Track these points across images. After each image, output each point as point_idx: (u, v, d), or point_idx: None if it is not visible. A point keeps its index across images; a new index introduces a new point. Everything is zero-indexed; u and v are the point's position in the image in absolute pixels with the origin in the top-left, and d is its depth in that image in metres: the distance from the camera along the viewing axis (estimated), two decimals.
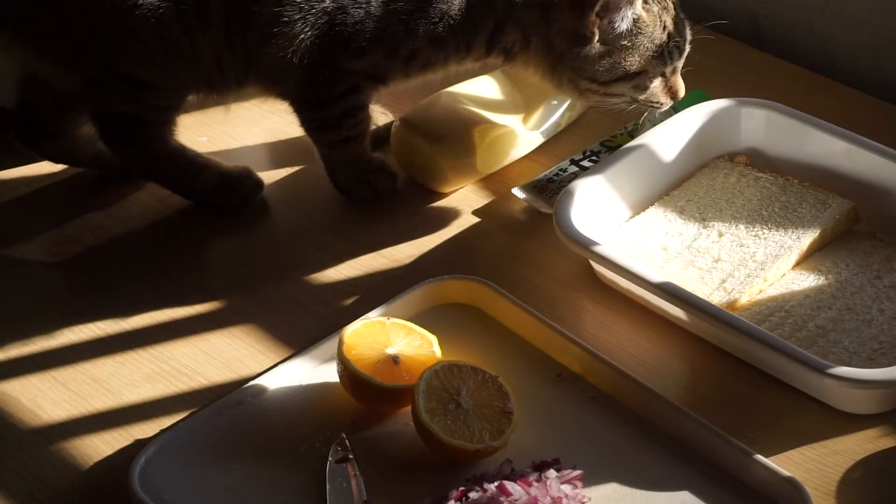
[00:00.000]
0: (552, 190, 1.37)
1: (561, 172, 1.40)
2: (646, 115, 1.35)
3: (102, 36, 1.27)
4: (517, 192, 1.38)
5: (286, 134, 1.47)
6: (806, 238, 1.28)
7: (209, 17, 1.25)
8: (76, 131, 1.40)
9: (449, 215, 1.38)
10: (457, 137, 1.40)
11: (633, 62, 1.29)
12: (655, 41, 1.29)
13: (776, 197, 1.33)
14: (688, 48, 1.34)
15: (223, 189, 1.39)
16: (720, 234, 1.29)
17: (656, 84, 1.32)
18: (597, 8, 1.25)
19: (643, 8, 1.27)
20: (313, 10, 1.25)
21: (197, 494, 1.08)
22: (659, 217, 1.32)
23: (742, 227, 1.30)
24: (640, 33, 1.28)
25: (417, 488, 1.07)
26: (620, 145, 1.36)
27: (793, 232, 1.28)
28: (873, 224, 1.31)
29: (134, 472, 1.07)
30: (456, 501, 1.04)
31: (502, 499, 1.03)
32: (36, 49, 1.30)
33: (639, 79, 1.31)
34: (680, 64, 1.33)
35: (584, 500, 1.06)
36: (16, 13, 1.28)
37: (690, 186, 1.35)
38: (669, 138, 1.36)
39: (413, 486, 1.08)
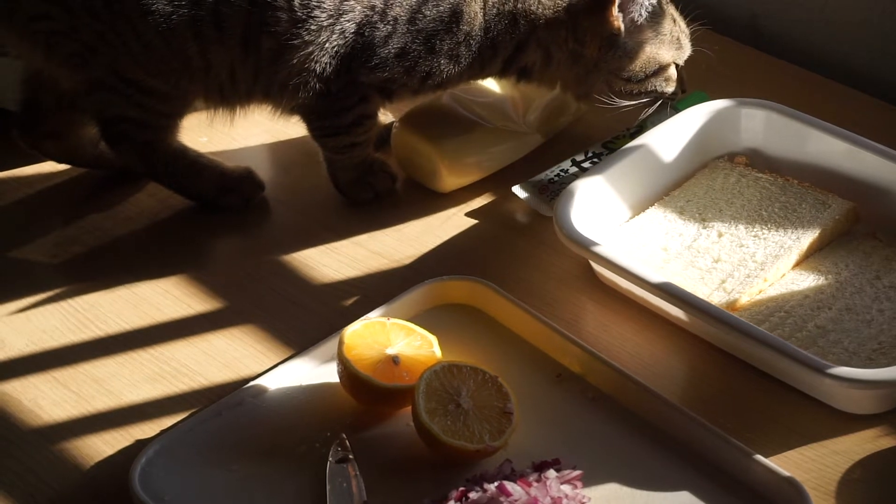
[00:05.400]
0: (553, 191, 1.37)
1: (562, 173, 1.40)
2: (653, 109, 1.37)
3: (112, 40, 1.28)
4: (517, 191, 1.38)
5: (287, 135, 1.48)
6: (806, 238, 1.28)
7: (225, 27, 1.26)
8: (79, 131, 1.40)
9: (449, 216, 1.38)
10: (458, 138, 1.40)
11: (663, 54, 1.33)
12: (673, 32, 1.33)
13: (776, 197, 1.33)
14: (688, 32, 1.37)
15: (224, 190, 1.39)
16: (720, 235, 1.29)
17: (675, 74, 1.36)
18: (617, 2, 1.28)
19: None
20: (342, 20, 1.26)
21: (197, 495, 1.08)
22: (659, 217, 1.32)
23: (742, 227, 1.30)
24: (661, 23, 1.32)
25: (417, 488, 1.07)
26: (622, 146, 1.36)
27: (792, 232, 1.28)
28: (873, 224, 1.31)
29: (134, 472, 1.07)
30: (456, 502, 1.04)
31: (502, 499, 1.03)
32: (45, 49, 1.30)
33: (669, 70, 1.35)
34: (690, 51, 1.37)
35: (584, 500, 1.06)
36: (28, 12, 1.28)
37: (690, 187, 1.35)
38: (669, 139, 1.36)
39: (413, 487, 1.08)
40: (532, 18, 1.31)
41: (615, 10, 1.29)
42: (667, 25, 1.33)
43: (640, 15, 1.30)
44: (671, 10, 1.35)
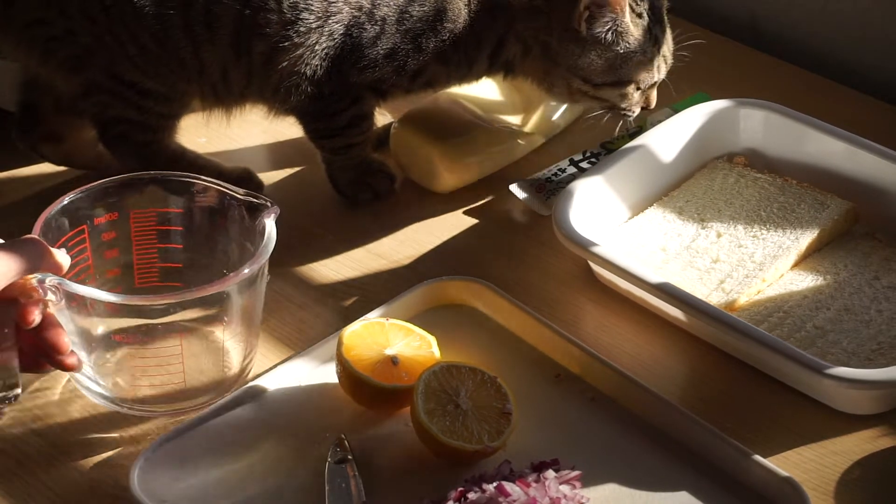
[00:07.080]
0: (549, 190, 1.38)
1: (560, 172, 1.40)
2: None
3: (107, 42, 1.28)
4: (514, 189, 1.39)
5: (286, 135, 1.48)
6: (804, 238, 1.28)
7: (217, 27, 1.26)
8: (78, 133, 1.40)
9: (448, 216, 1.38)
10: (456, 138, 1.40)
11: (626, 70, 1.31)
12: (648, 54, 1.31)
13: (775, 197, 1.33)
14: (671, 62, 1.35)
15: None
16: (719, 235, 1.30)
17: (637, 94, 1.34)
18: (584, 1, 1.27)
19: (632, 21, 1.28)
20: (330, 22, 1.26)
21: (196, 495, 1.08)
22: (658, 218, 1.32)
23: (741, 227, 1.30)
24: (631, 44, 1.29)
25: (416, 489, 1.07)
26: (621, 146, 1.36)
27: (791, 232, 1.28)
28: (872, 224, 1.31)
29: (134, 472, 1.07)
30: (455, 502, 1.04)
31: (501, 499, 1.03)
32: (41, 53, 1.30)
33: (628, 87, 1.32)
34: (662, 77, 1.35)
35: (583, 500, 1.06)
36: (24, 16, 1.29)
37: (689, 187, 1.35)
38: (668, 139, 1.36)
39: (412, 487, 1.08)
40: (511, 11, 1.31)
41: (581, 7, 1.27)
42: (646, 46, 1.30)
43: (602, 31, 1.27)
44: (663, 35, 1.32)
